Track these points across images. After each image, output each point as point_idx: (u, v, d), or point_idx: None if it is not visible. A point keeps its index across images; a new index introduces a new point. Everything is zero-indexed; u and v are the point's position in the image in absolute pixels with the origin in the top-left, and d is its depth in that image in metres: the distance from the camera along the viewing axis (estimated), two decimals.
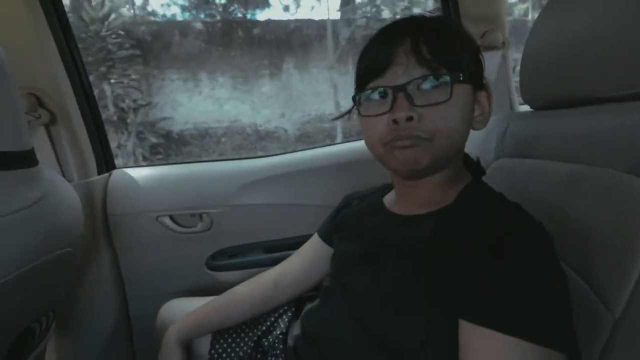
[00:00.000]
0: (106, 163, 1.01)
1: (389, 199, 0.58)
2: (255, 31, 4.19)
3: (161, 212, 0.97)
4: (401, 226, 0.50)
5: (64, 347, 0.91)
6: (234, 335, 0.68)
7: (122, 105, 3.85)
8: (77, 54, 0.93)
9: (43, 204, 0.62)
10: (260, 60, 4.12)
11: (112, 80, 3.80)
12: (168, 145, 4.01)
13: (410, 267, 0.45)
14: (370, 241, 0.53)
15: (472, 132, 0.53)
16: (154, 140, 3.94)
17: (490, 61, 0.88)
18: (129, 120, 3.86)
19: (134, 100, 3.88)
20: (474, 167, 0.54)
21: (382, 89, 0.45)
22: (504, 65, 0.89)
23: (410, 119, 0.43)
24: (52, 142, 0.88)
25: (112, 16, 3.83)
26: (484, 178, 0.53)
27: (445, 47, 0.44)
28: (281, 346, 0.64)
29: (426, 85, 0.43)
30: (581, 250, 0.42)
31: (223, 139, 4.07)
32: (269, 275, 0.72)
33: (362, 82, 0.48)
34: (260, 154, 1.10)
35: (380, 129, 0.45)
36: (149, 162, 3.53)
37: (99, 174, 0.97)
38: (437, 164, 0.46)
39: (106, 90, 3.75)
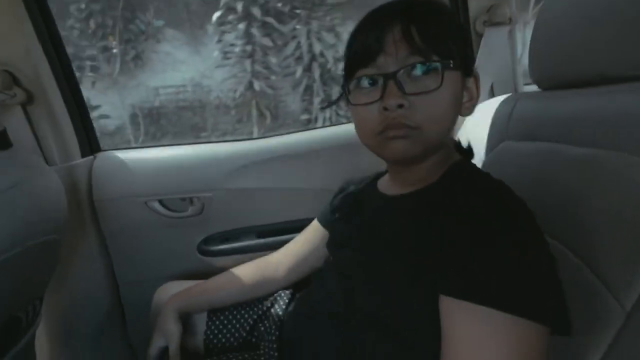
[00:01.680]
0: (90, 145, 0.96)
1: (382, 182, 0.59)
2: None
3: (150, 197, 0.94)
4: (388, 205, 0.52)
5: (55, 335, 0.90)
6: (230, 317, 0.70)
7: None
8: (54, 28, 0.87)
9: (20, 189, 0.59)
10: None
11: None
12: None
13: (392, 243, 0.46)
14: (361, 221, 0.55)
15: (477, 114, 0.50)
16: None
17: (496, 38, 0.83)
18: None
19: None
20: (463, 149, 0.55)
21: (372, 78, 0.45)
22: (510, 43, 0.84)
23: (401, 106, 0.42)
24: (30, 123, 0.83)
25: None
26: (489, 159, 0.51)
27: (436, 33, 0.43)
28: (277, 333, 0.64)
29: (417, 72, 0.43)
30: (591, 240, 0.40)
31: None
32: (270, 260, 0.74)
33: (351, 69, 0.47)
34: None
35: (371, 118, 0.45)
36: None
37: (82, 156, 0.93)
38: (427, 152, 0.47)
39: None
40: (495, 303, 0.34)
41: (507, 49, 0.84)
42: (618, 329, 0.36)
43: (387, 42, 0.43)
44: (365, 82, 0.46)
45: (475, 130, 0.58)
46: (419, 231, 0.43)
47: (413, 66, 0.42)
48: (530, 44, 0.57)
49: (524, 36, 0.87)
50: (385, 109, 0.43)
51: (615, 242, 0.37)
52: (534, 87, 0.61)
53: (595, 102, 0.45)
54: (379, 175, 0.62)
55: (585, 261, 0.41)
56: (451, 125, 0.47)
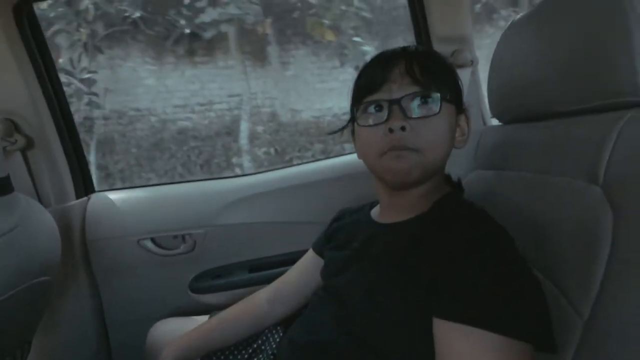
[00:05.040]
0: (85, 186, 0.99)
1: (375, 211, 0.61)
2: None
3: (142, 235, 0.95)
4: (382, 233, 0.54)
5: None
6: (222, 358, 0.68)
7: None
8: (55, 75, 0.92)
9: (18, 232, 0.60)
10: None
11: None
12: None
13: (386, 269, 0.48)
14: (356, 248, 0.56)
15: None
16: None
17: (461, 78, 0.92)
18: None
19: None
20: (453, 183, 0.58)
21: (378, 103, 0.50)
22: (473, 82, 0.93)
23: (403, 128, 0.47)
24: (28, 167, 0.86)
25: None
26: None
27: (434, 70, 0.50)
28: None
29: (418, 100, 0.49)
30: (549, 255, 0.44)
31: None
32: (263, 294, 0.72)
33: (359, 97, 0.53)
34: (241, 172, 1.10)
35: (376, 139, 0.50)
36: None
37: (77, 197, 0.95)
38: (426, 176, 0.50)
39: None
40: (486, 325, 0.37)
41: (472, 88, 0.93)
42: (579, 339, 0.38)
43: (393, 74, 0.50)
44: (371, 108, 0.51)
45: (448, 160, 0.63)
46: (412, 258, 0.46)
47: (415, 94, 0.48)
48: (488, 84, 0.63)
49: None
50: (390, 130, 0.47)
51: (570, 258, 0.41)
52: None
53: (544, 133, 0.51)
54: (373, 205, 0.64)
55: (548, 276, 0.44)
56: (446, 154, 0.51)
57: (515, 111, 0.59)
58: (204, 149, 3.48)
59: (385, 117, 0.49)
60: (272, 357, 0.64)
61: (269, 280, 0.77)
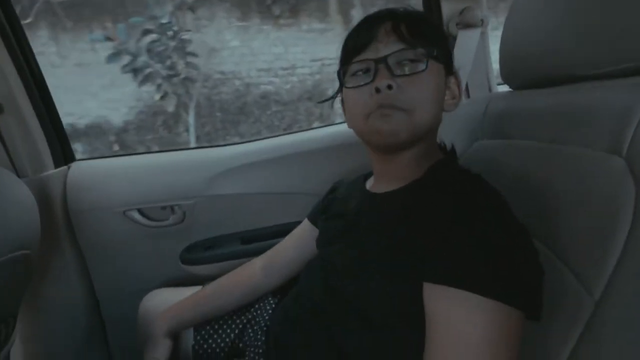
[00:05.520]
0: (64, 155, 0.93)
1: (369, 181, 0.61)
2: None
3: (129, 206, 0.92)
4: (375, 202, 0.54)
5: (33, 356, 0.86)
6: (216, 327, 0.69)
7: None
8: (23, 35, 0.84)
9: None
10: None
11: None
12: None
13: (378, 238, 0.48)
14: (350, 218, 0.57)
15: (452, 115, 0.52)
16: None
17: (469, 40, 0.86)
18: None
19: None
20: (447, 150, 0.58)
21: (365, 64, 0.49)
22: (482, 44, 0.87)
23: (390, 87, 0.46)
24: (0, 134, 0.80)
25: None
26: (465, 158, 0.55)
27: (421, 29, 0.49)
28: (263, 337, 0.64)
29: (404, 56, 0.48)
30: (560, 231, 0.42)
31: None
32: (257, 264, 0.73)
33: (346, 58, 0.52)
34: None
35: (363, 100, 0.49)
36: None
37: (56, 167, 0.90)
38: (415, 137, 0.49)
39: None
40: (475, 287, 0.36)
41: (480, 51, 0.87)
42: (588, 318, 0.37)
43: (379, 33, 0.49)
44: (358, 70, 0.50)
45: (450, 129, 0.59)
46: (403, 226, 0.46)
47: (402, 51, 0.47)
48: (500, 46, 0.58)
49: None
50: (377, 90, 0.46)
51: (583, 233, 0.39)
52: (507, 87, 0.63)
53: (561, 100, 0.47)
54: (368, 176, 0.63)
55: (556, 253, 0.42)
56: (436, 114, 0.50)
57: (528, 76, 0.55)
58: (286, 114, 3.54)
59: (371, 77, 0.48)
60: (265, 328, 0.65)
61: (261, 252, 0.76)
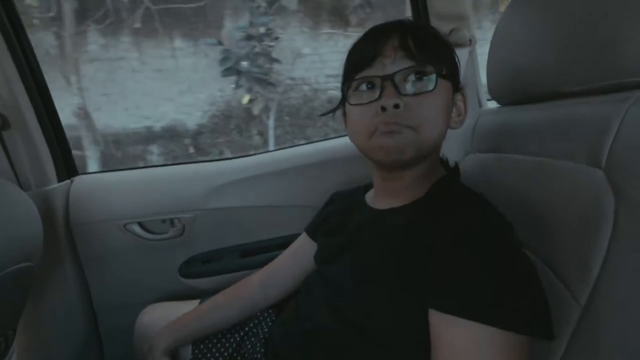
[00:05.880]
0: (67, 169, 0.95)
1: (369, 196, 0.60)
2: None
3: (129, 220, 0.93)
4: (376, 219, 0.53)
5: None
6: (215, 341, 0.68)
7: None
8: (30, 50, 0.87)
9: None
10: None
11: None
12: None
13: (381, 255, 0.47)
14: (350, 233, 0.55)
15: None
16: None
17: (459, 58, 0.89)
18: None
19: None
20: (449, 166, 0.57)
21: (370, 80, 0.47)
22: (471, 63, 0.91)
23: (397, 106, 0.44)
24: (5, 148, 0.82)
25: None
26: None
27: (430, 45, 0.47)
28: (262, 350, 0.63)
29: (412, 76, 0.46)
30: (547, 240, 0.44)
31: None
32: (256, 278, 0.72)
33: (350, 73, 0.50)
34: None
35: (368, 118, 0.47)
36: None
37: (59, 181, 0.91)
38: (420, 155, 0.48)
39: None
40: (484, 319, 0.36)
41: (469, 68, 0.91)
42: (575, 324, 0.38)
43: (386, 47, 0.47)
44: (363, 85, 0.48)
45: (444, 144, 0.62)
46: (407, 246, 0.44)
47: (409, 69, 0.46)
48: (487, 64, 0.61)
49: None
50: (383, 109, 0.45)
51: (568, 243, 0.41)
52: (496, 103, 0.66)
53: (546, 115, 0.49)
54: (368, 188, 0.62)
55: (544, 261, 0.44)
56: (442, 133, 0.49)
57: (515, 92, 0.57)
58: None
59: (377, 95, 0.46)
60: (263, 341, 0.65)
61: (260, 265, 0.76)
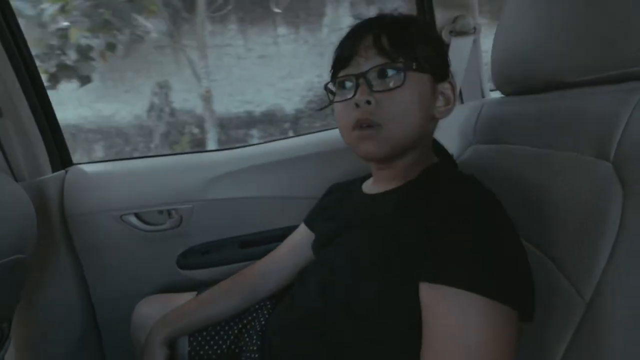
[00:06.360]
0: (61, 159, 0.93)
1: (367, 184, 0.61)
2: None
3: (125, 210, 0.92)
4: (370, 202, 0.55)
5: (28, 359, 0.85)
6: (213, 333, 0.68)
7: None
8: (21, 38, 0.85)
9: None
10: None
11: None
12: None
13: (370, 236, 0.49)
14: (344, 218, 0.58)
15: (446, 120, 0.53)
16: None
17: (462, 47, 0.88)
18: None
19: None
20: (443, 152, 0.59)
21: (348, 78, 0.51)
22: (475, 51, 0.89)
23: (368, 102, 0.48)
24: None
25: None
26: (459, 163, 0.56)
27: (403, 40, 0.49)
28: (259, 342, 0.63)
29: (383, 71, 0.48)
30: (552, 234, 0.43)
31: None
32: (255, 269, 0.73)
33: (334, 72, 0.54)
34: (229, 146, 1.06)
35: (347, 114, 0.50)
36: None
37: (53, 171, 0.90)
38: (397, 150, 0.50)
39: None
40: (470, 286, 0.37)
41: (473, 57, 0.89)
42: (580, 319, 0.37)
43: (360, 47, 0.50)
44: (346, 83, 0.52)
45: (444, 134, 0.60)
46: (397, 223, 0.46)
47: (380, 66, 0.48)
48: (492, 53, 0.60)
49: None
50: (357, 105, 0.48)
51: (573, 236, 0.40)
52: (499, 93, 0.65)
53: (551, 106, 0.48)
54: (365, 179, 0.63)
55: (548, 255, 0.43)
56: (419, 124, 0.50)
57: (520, 82, 0.56)
58: None
59: (353, 92, 0.49)
60: (260, 333, 0.64)
61: (259, 256, 0.76)
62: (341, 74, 0.52)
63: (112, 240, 0.93)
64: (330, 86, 0.55)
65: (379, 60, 0.48)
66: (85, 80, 2.76)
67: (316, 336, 0.50)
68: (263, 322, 0.67)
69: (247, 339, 0.65)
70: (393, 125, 0.48)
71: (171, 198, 0.93)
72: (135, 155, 3.02)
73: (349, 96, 0.50)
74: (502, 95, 0.64)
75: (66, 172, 0.93)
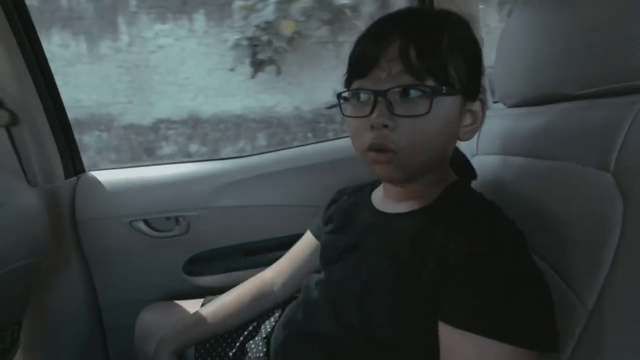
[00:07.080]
0: (74, 166, 0.96)
1: (376, 196, 0.58)
2: None
3: (134, 217, 0.93)
4: (383, 223, 0.51)
5: None
6: (220, 340, 0.68)
7: None
8: (40, 49, 0.88)
9: (2, 213, 0.58)
10: None
11: None
12: None
13: (386, 260, 0.46)
14: (355, 235, 0.54)
15: None
16: None
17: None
18: None
19: None
20: (463, 169, 0.55)
21: (365, 93, 0.45)
22: None
23: (386, 126, 0.42)
24: (13, 144, 0.83)
25: None
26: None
27: (435, 55, 0.41)
28: (265, 349, 0.63)
29: (407, 94, 0.42)
30: (554, 244, 0.43)
31: None
32: (261, 278, 0.71)
33: (348, 80, 0.48)
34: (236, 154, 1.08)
35: (362, 132, 0.45)
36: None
37: (66, 177, 0.92)
38: (414, 175, 0.47)
39: None
40: (493, 334, 0.36)
41: None
42: (582, 328, 0.38)
43: (383, 57, 0.42)
44: (358, 94, 0.46)
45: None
46: (414, 255, 0.43)
47: (404, 88, 0.41)
48: (494, 65, 0.61)
49: None
50: (372, 126, 0.43)
51: (575, 246, 0.40)
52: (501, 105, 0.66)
53: (552, 118, 0.49)
54: (375, 186, 0.61)
55: (551, 264, 0.43)
56: (438, 152, 0.46)
57: (522, 94, 0.57)
58: None
59: (369, 111, 0.43)
60: (265, 340, 0.64)
61: (264, 264, 0.76)
62: (357, 85, 0.45)
63: (121, 246, 0.95)
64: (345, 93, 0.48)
65: (403, 80, 0.41)
66: (278, 71, 3.07)
67: (324, 355, 0.49)
68: (269, 329, 0.66)
69: (253, 346, 0.65)
70: (410, 153, 0.43)
71: (179, 205, 0.95)
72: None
73: (364, 113, 0.44)
74: (504, 107, 0.65)
75: (78, 179, 0.95)
